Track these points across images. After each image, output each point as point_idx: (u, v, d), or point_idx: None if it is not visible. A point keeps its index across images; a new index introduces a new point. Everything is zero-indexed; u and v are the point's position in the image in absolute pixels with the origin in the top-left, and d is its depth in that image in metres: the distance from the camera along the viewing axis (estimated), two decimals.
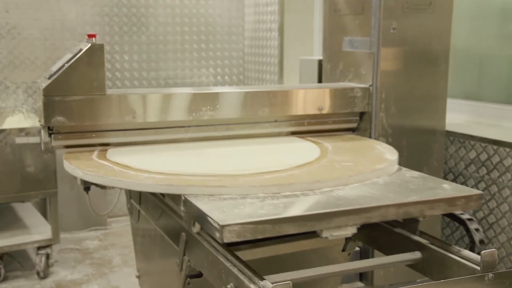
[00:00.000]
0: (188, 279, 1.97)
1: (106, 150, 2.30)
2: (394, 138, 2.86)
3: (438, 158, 3.00)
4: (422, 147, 2.95)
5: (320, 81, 3.32)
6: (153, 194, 2.20)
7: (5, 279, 3.40)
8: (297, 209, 1.68)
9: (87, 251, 3.86)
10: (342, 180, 1.90)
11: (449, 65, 2.94)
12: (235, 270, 1.54)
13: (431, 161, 2.97)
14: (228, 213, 1.60)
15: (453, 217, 2.17)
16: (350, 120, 2.82)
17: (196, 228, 1.77)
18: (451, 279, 1.59)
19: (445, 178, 3.12)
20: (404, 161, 2.91)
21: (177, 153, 2.31)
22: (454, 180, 3.11)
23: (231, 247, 1.74)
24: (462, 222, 2.11)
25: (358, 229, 1.71)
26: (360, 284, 3.13)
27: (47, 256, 3.47)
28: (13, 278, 3.44)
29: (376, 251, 2.17)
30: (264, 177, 1.90)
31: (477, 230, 2.05)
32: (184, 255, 1.92)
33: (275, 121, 2.62)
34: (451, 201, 1.81)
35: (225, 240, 1.51)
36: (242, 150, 2.39)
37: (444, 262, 1.74)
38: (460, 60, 3.39)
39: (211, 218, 1.56)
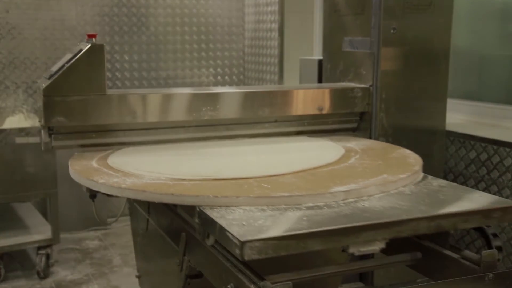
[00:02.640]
0: (188, 279, 1.97)
1: (109, 153, 2.25)
2: (394, 138, 2.86)
3: (438, 158, 3.00)
4: (422, 147, 2.94)
5: (320, 81, 3.32)
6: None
7: (5, 279, 3.40)
8: (323, 222, 1.55)
9: (87, 251, 3.86)
10: (366, 190, 1.79)
11: (449, 65, 2.94)
12: (235, 270, 1.54)
13: (431, 161, 2.97)
14: (248, 228, 1.49)
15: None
16: (350, 120, 2.82)
17: (210, 240, 1.67)
18: (451, 279, 1.59)
19: (445, 178, 3.12)
20: None
21: (181, 155, 2.29)
22: (454, 180, 3.11)
23: None
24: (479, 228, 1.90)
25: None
26: (360, 284, 3.13)
27: (47, 256, 3.47)
28: (13, 278, 3.44)
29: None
30: (283, 182, 1.85)
31: (494, 235, 1.80)
32: (184, 255, 1.92)
33: (275, 121, 2.62)
34: (486, 213, 1.67)
35: (246, 258, 1.40)
36: (248, 150, 2.39)
37: (444, 262, 1.74)
38: (460, 60, 3.39)
39: (230, 233, 1.45)
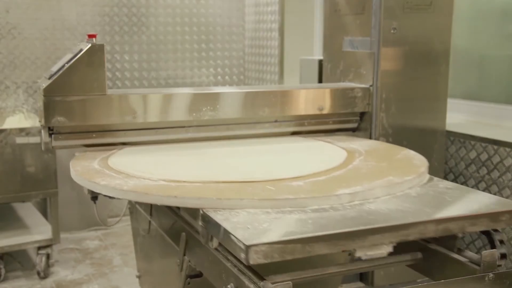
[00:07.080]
0: (188, 279, 1.97)
1: (111, 154, 2.23)
2: (394, 138, 2.86)
3: (438, 158, 3.00)
4: (423, 147, 2.94)
5: (320, 81, 3.32)
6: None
7: (5, 279, 3.40)
8: (329, 226, 1.52)
9: (87, 251, 3.86)
10: (372, 192, 1.76)
11: (449, 65, 2.94)
12: (235, 270, 1.54)
13: (431, 161, 2.96)
14: (253, 231, 1.45)
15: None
16: (350, 120, 2.82)
17: (214, 243, 1.64)
18: (451, 279, 1.59)
19: (445, 178, 3.12)
20: None
21: (183, 155, 2.29)
22: (454, 180, 3.11)
23: None
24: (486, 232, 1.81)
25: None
26: (360, 284, 3.13)
27: (48, 256, 3.47)
28: (13, 278, 3.44)
29: None
30: (288, 185, 1.79)
31: (501, 242, 1.73)
32: (184, 255, 1.92)
33: (275, 121, 2.62)
34: (494, 216, 1.65)
35: (251, 262, 1.37)
36: (248, 151, 2.38)
37: (444, 262, 1.74)
38: (460, 60, 3.39)
39: (235, 236, 1.41)
